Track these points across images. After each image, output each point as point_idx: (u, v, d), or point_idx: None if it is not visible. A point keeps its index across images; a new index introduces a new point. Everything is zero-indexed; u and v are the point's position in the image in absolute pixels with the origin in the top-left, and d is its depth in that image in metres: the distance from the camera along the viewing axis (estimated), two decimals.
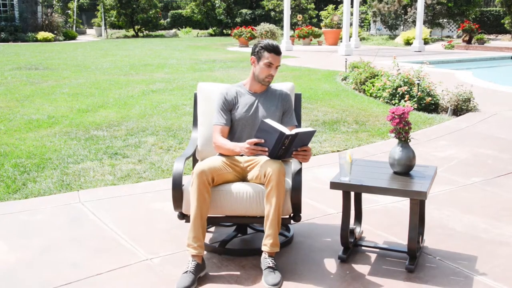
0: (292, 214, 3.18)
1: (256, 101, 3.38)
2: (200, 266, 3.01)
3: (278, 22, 27.70)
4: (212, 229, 3.70)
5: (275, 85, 3.55)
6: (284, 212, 3.09)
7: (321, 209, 4.05)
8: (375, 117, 7.25)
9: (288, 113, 3.42)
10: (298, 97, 3.73)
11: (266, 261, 3.02)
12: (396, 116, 3.17)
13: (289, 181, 3.17)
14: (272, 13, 29.93)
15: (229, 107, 3.39)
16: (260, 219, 3.12)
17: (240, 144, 3.20)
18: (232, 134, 3.40)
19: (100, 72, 12.35)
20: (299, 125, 3.58)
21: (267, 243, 3.02)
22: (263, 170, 3.04)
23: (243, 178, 3.25)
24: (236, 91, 3.42)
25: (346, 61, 11.31)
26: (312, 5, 28.65)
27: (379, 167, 3.38)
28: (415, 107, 7.65)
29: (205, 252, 3.14)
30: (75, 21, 31.83)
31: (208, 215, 3.12)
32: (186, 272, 2.95)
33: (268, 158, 3.12)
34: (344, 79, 10.60)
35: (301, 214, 3.19)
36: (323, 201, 4.19)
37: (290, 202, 3.09)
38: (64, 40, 25.84)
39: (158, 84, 10.28)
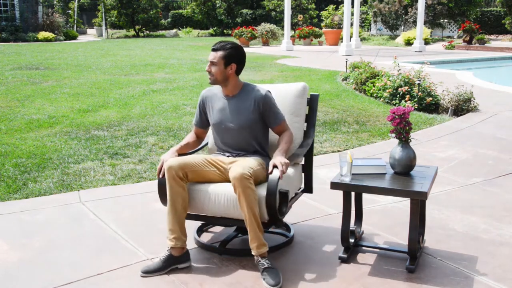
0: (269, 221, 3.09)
1: (227, 105, 3.33)
2: (175, 258, 3.09)
3: (279, 22, 27.69)
4: (213, 229, 3.70)
5: (260, 85, 3.48)
6: (260, 218, 3.04)
7: (322, 209, 4.05)
8: (375, 117, 7.25)
9: (269, 113, 3.28)
10: (314, 98, 3.60)
11: (260, 263, 3.03)
12: (397, 116, 3.17)
13: (265, 187, 3.06)
14: (273, 13, 29.91)
15: (204, 109, 3.44)
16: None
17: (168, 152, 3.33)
18: (213, 138, 3.49)
19: (101, 72, 12.36)
20: (311, 128, 3.52)
21: (253, 246, 3.03)
22: (229, 175, 3.04)
23: (227, 179, 3.21)
24: (213, 94, 3.42)
25: (346, 61, 11.31)
26: (313, 5, 28.64)
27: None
28: (416, 107, 7.65)
29: (187, 247, 3.17)
30: (75, 21, 31.83)
31: (208, 215, 3.15)
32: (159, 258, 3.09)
33: (238, 161, 3.16)
34: (345, 79, 10.59)
35: (282, 219, 3.16)
36: (324, 201, 4.19)
37: (265, 208, 3.01)
38: (65, 40, 25.84)
39: (159, 84, 10.28)
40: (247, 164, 3.06)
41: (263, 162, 3.23)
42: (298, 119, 3.51)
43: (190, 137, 3.54)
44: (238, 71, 3.29)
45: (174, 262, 3.11)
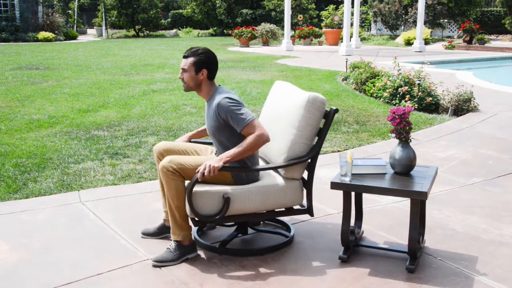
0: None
1: (205, 109, 3.44)
2: (167, 227, 3.45)
3: (279, 22, 27.68)
4: (213, 228, 3.70)
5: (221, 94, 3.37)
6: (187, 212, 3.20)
7: (322, 209, 4.05)
8: (375, 117, 7.25)
9: (229, 120, 3.17)
10: (331, 113, 3.26)
11: (169, 244, 3.25)
12: (397, 116, 3.17)
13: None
14: (273, 13, 29.90)
15: None
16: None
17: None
18: None
19: (101, 72, 12.36)
20: (317, 144, 3.29)
21: (171, 231, 3.25)
22: None
23: None
24: None
25: (346, 61, 11.31)
26: (313, 5, 28.62)
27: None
28: (416, 107, 7.65)
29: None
30: (75, 21, 31.82)
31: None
32: None
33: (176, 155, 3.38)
34: (345, 79, 10.60)
35: (210, 221, 3.20)
36: (324, 201, 4.19)
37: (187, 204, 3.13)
38: (65, 40, 25.84)
39: (159, 84, 10.28)
40: (181, 159, 3.17)
41: None
42: (294, 132, 3.22)
43: None
44: (210, 76, 3.31)
45: (166, 230, 3.47)
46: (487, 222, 3.84)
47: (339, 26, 22.57)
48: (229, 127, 3.20)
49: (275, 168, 3.28)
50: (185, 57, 3.30)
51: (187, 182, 3.21)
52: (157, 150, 3.45)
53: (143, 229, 3.57)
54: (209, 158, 3.29)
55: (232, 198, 3.14)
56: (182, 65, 3.30)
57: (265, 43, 22.86)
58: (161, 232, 3.51)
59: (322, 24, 24.62)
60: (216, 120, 3.23)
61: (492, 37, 25.44)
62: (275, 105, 3.51)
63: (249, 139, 3.11)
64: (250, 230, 3.61)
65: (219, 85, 3.39)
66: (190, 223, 3.26)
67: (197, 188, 3.12)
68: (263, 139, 3.13)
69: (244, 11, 32.25)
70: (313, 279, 3.02)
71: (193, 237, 3.47)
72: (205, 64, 3.27)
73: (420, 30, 18.69)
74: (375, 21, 27.13)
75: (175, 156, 3.21)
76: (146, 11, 29.79)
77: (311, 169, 3.35)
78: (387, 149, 5.54)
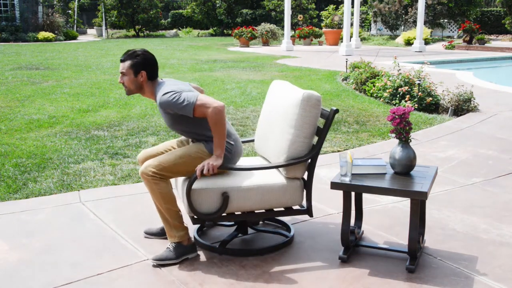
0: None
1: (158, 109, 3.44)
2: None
3: (279, 22, 27.68)
4: (213, 229, 3.70)
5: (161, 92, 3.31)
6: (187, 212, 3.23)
7: (322, 209, 4.05)
8: (375, 117, 7.25)
9: (178, 112, 3.14)
10: (331, 113, 3.28)
11: (169, 244, 3.27)
12: (397, 116, 3.17)
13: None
14: (273, 13, 29.90)
15: None
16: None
17: None
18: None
19: (101, 72, 12.36)
20: (317, 144, 3.28)
21: (166, 234, 3.28)
22: None
23: None
24: None
25: (346, 61, 11.31)
26: (313, 5, 28.63)
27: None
28: (416, 107, 7.65)
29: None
30: (75, 21, 31.83)
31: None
32: None
33: (160, 155, 3.38)
34: (345, 79, 10.60)
35: (209, 220, 3.23)
36: (324, 201, 4.19)
37: (187, 203, 3.14)
38: (65, 40, 25.84)
39: None
40: (158, 160, 3.16)
41: (195, 152, 3.21)
42: (292, 131, 3.19)
43: None
44: (150, 77, 3.26)
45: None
46: (487, 222, 3.84)
47: (339, 26, 22.56)
48: (183, 116, 3.19)
49: (275, 168, 3.27)
50: (122, 61, 3.25)
51: (178, 181, 3.24)
52: (140, 159, 3.48)
53: (146, 229, 3.58)
54: (187, 147, 3.27)
55: (231, 196, 3.15)
56: (120, 69, 3.26)
57: (265, 43, 22.86)
58: (164, 233, 3.50)
59: (322, 24, 24.62)
60: (168, 117, 3.26)
61: (492, 37, 25.44)
62: (273, 104, 3.50)
63: (211, 121, 3.08)
64: (250, 230, 3.61)
65: (160, 80, 3.31)
66: (188, 222, 3.27)
67: (196, 185, 3.13)
68: (218, 110, 3.07)
69: (244, 11, 32.25)
70: (313, 279, 3.02)
71: (193, 237, 3.49)
72: (142, 65, 3.23)
73: (420, 30, 18.69)
74: (375, 21, 27.13)
75: (152, 159, 3.19)
76: (146, 11, 29.79)
77: (310, 169, 3.34)
78: (387, 149, 5.54)
